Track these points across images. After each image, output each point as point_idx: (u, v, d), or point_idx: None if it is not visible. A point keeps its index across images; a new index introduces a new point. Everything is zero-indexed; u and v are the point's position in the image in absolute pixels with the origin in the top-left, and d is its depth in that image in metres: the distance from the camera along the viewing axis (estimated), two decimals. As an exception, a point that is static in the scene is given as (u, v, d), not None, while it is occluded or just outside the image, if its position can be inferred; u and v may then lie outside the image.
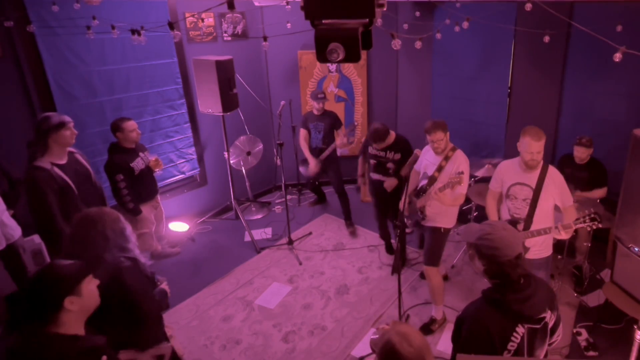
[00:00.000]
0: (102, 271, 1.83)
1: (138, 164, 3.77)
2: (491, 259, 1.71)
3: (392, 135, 3.93)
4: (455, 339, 1.84)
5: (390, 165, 3.99)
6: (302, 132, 5.04)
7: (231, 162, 5.13)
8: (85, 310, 1.62)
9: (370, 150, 4.08)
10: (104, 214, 1.98)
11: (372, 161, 4.11)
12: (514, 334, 1.70)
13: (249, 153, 5.31)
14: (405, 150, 3.92)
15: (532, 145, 2.72)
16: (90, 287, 1.63)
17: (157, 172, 4.13)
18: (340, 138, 4.87)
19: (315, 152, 4.94)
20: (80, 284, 1.59)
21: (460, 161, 3.25)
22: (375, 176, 4.14)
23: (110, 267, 1.89)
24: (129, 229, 2.06)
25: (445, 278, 4.11)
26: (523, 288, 1.72)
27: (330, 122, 4.95)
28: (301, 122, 5.13)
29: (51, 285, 1.54)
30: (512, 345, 1.70)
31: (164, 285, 2.32)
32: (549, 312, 1.79)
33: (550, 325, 1.82)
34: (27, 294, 1.53)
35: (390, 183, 4.01)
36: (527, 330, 1.72)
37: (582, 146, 3.86)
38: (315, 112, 4.92)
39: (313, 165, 4.90)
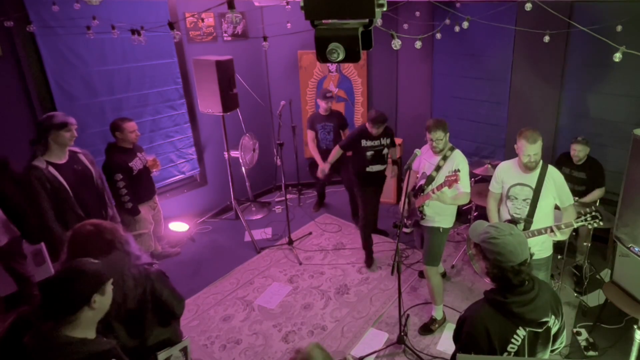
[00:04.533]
0: (134, 282, 1.88)
1: (136, 164, 3.76)
2: (493, 262, 1.70)
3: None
4: (456, 338, 1.84)
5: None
6: (310, 134, 4.95)
7: (246, 158, 5.13)
8: (101, 311, 1.64)
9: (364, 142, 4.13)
10: (115, 231, 1.93)
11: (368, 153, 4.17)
12: (515, 336, 1.70)
13: (254, 150, 5.32)
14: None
15: (528, 148, 2.77)
16: (110, 290, 1.67)
17: (155, 173, 4.13)
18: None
19: (326, 153, 4.72)
20: (106, 283, 1.63)
21: (458, 160, 3.25)
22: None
23: (141, 278, 1.92)
24: (130, 235, 2.07)
25: (444, 275, 4.12)
26: (526, 291, 1.70)
27: (338, 122, 4.93)
28: (308, 123, 5.05)
29: (85, 278, 1.55)
30: (511, 348, 1.70)
31: None
32: (553, 317, 1.77)
33: (553, 330, 1.80)
34: (56, 286, 1.52)
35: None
36: (528, 333, 1.71)
37: (579, 143, 3.83)
38: (323, 113, 4.87)
39: (324, 168, 4.59)
